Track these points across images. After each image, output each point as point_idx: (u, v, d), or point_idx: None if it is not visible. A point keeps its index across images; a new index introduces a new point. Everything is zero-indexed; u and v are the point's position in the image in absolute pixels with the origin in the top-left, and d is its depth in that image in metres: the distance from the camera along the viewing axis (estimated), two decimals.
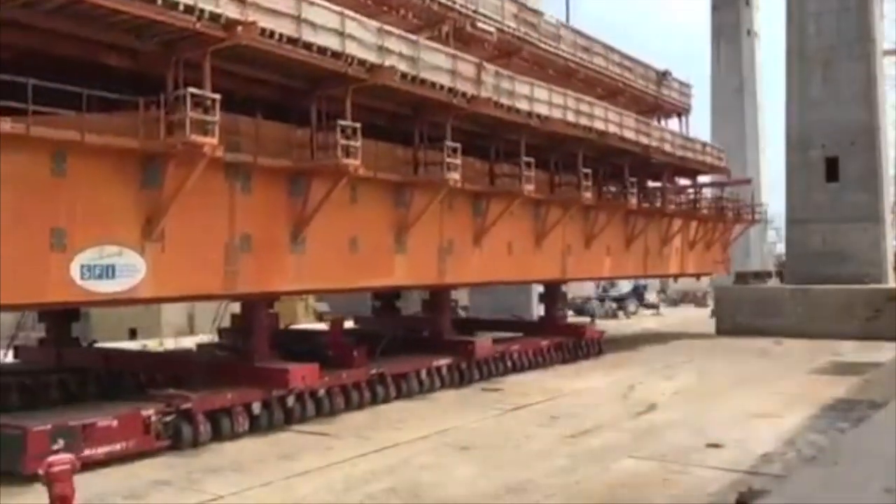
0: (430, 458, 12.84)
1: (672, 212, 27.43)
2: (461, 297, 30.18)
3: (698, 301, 50.20)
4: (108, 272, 12.06)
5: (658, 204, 26.55)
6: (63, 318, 18.92)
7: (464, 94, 16.54)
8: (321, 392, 16.00)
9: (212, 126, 11.83)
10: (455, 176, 16.60)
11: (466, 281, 20.10)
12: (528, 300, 31.58)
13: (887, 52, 44.09)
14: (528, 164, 19.00)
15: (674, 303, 53.61)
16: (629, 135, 22.66)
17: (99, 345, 19.75)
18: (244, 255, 14.06)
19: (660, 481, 11.35)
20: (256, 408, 14.88)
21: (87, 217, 11.85)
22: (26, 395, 17.24)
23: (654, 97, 25.20)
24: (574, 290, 44.96)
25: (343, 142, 13.95)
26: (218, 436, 14.05)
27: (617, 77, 22.89)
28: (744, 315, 31.22)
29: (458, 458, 12.88)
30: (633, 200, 24.11)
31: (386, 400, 17.63)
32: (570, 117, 20.09)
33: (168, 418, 13.49)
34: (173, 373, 16.65)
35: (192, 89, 11.78)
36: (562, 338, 24.41)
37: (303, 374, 15.10)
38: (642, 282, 47.86)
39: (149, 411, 13.19)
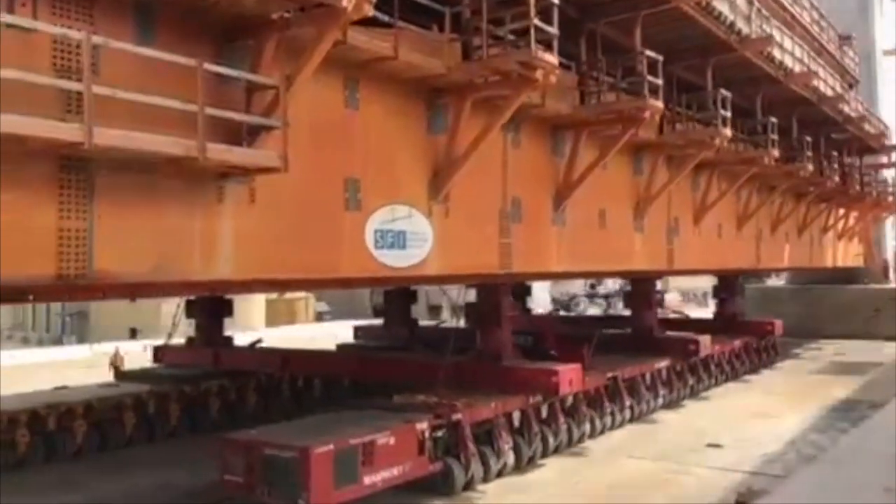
0: None
1: (855, 195, 24.80)
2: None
3: (699, 300, 48.45)
4: (400, 240, 9.29)
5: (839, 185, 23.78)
6: (216, 312, 16.09)
7: (738, 33, 13.83)
8: (569, 400, 13.21)
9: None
10: (727, 133, 13.85)
11: (690, 267, 17.33)
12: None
13: None
14: (774, 126, 16.20)
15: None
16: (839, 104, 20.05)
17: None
18: (515, 225, 11.27)
19: (659, 482, 11.18)
20: (516, 419, 12.09)
21: (378, 166, 9.09)
22: (185, 406, 14.52)
23: (838, 63, 22.56)
24: (559, 287, 41.88)
25: (650, 78, 11.16)
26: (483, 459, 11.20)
27: (817, 36, 20.23)
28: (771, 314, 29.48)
29: None
30: (836, 179, 21.45)
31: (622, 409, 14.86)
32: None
33: (439, 433, 10.65)
34: (378, 376, 13.85)
35: None
36: (748, 338, 21.60)
37: (570, 378, 12.27)
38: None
39: (422, 425, 10.33)
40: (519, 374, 12.33)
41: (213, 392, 15.10)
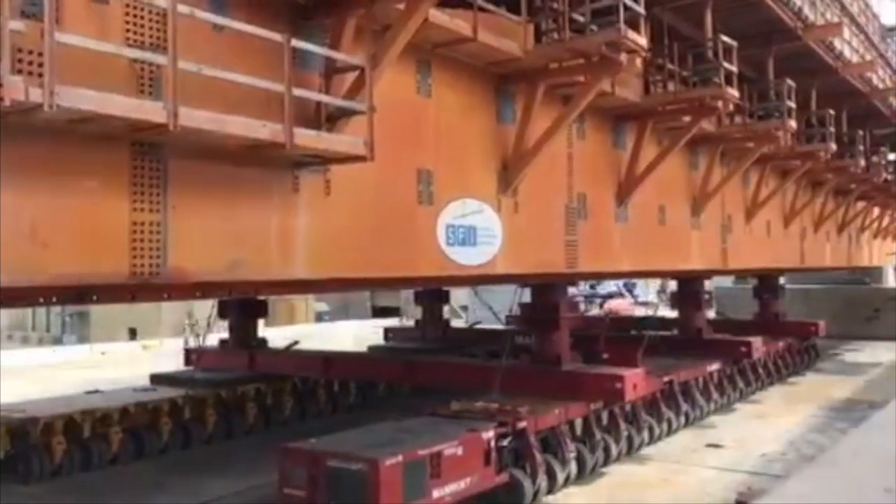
0: None
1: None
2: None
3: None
4: (471, 237, 8.69)
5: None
6: (250, 313, 15.48)
7: (804, 20, 13.20)
8: (627, 405, 12.57)
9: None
10: (792, 125, 13.20)
11: (743, 267, 16.69)
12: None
13: None
14: (832, 118, 15.53)
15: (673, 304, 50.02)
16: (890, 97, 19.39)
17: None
18: (580, 222, 10.66)
19: (659, 481, 11.10)
20: (578, 426, 11.48)
21: (449, 157, 8.48)
22: (222, 411, 13.94)
23: (881, 55, 21.87)
24: None
25: (726, 65, 10.53)
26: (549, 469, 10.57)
27: (864, 26, 19.55)
28: (745, 315, 28.72)
29: None
30: (885, 176, 20.78)
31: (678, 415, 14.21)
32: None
33: (504, 443, 10.02)
34: (427, 380, 13.23)
35: None
36: (790, 339, 20.92)
37: (635, 383, 11.63)
38: (633, 279, 43.57)
39: (488, 434, 9.70)
40: (580, 380, 11.70)
41: (250, 396, 14.51)
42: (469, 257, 8.65)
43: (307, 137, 5.84)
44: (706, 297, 17.07)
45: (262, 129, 5.52)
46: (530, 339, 13.12)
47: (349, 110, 6.44)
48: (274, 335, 17.68)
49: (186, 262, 5.81)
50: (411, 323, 23.43)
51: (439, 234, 8.24)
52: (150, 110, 4.85)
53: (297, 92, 5.79)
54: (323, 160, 6.54)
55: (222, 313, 15.63)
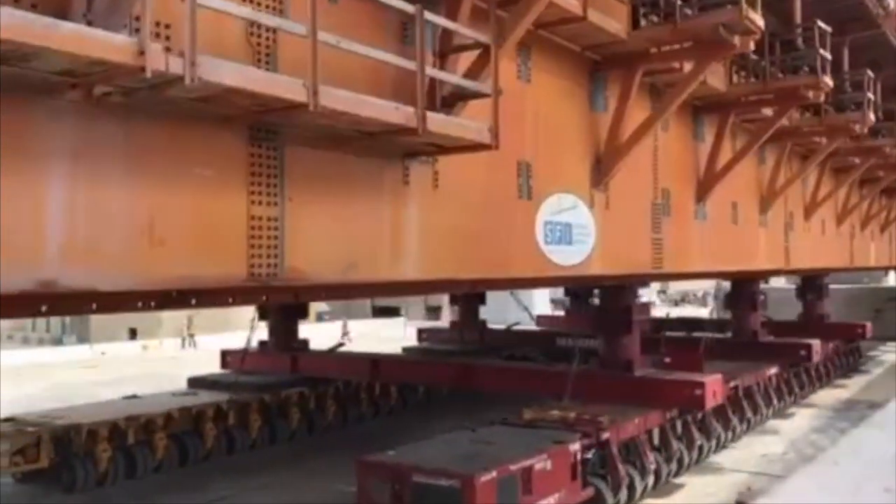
0: None
1: None
2: None
3: (699, 301, 47.55)
4: (566, 234, 8.05)
5: None
6: (290, 314, 14.84)
7: (885, 8, 12.55)
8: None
9: None
10: (871, 118, 12.54)
11: (803, 266, 16.05)
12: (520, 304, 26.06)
13: None
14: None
15: (675, 303, 50.72)
16: None
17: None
18: (665, 219, 10.02)
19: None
20: (655, 435, 10.86)
21: (546, 147, 7.85)
22: (265, 416, 13.31)
23: None
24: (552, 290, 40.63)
25: (822, 52, 9.88)
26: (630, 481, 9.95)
27: None
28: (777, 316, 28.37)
29: None
30: None
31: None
32: None
33: (589, 455, 9.39)
34: (485, 386, 12.58)
35: None
36: (837, 341, 20.30)
37: (714, 390, 11.00)
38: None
39: (575, 446, 9.07)
40: (656, 386, 11.07)
41: (293, 401, 13.88)
42: (565, 257, 8.03)
43: (437, 122, 5.20)
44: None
45: (395, 113, 4.88)
46: (574, 342, 12.57)
47: (470, 93, 5.79)
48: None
49: (303, 262, 5.18)
50: (413, 323, 22.76)
51: (538, 231, 7.61)
52: (289, 86, 4.20)
53: (430, 71, 5.15)
54: (438, 150, 5.90)
55: (262, 315, 14.98)
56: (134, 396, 13.38)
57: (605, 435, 9.65)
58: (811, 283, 21.38)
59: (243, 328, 31.82)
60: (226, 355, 15.53)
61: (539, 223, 7.61)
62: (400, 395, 15.97)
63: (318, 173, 5.31)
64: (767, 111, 11.37)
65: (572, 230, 8.13)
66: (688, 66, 8.88)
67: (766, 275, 15.43)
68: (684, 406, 10.97)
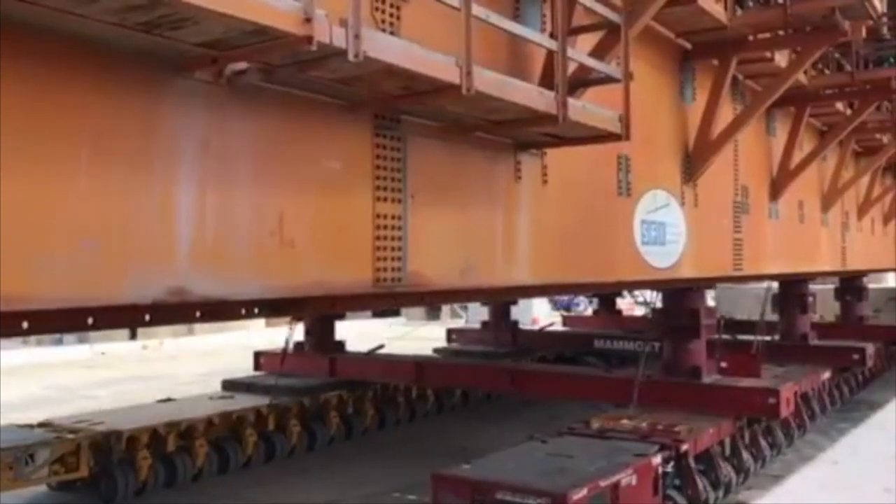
0: None
1: None
2: None
3: None
4: (661, 234, 7.53)
5: None
6: (328, 315, 14.28)
7: None
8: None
9: None
10: None
11: (858, 268, 15.57)
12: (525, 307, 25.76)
13: None
14: None
15: None
16: None
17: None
18: (744, 218, 9.49)
19: None
20: (727, 447, 10.32)
21: (642, 139, 7.27)
22: (305, 421, 12.78)
23: None
24: None
25: None
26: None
27: None
28: (744, 315, 27.85)
29: None
30: None
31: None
32: None
33: (669, 468, 8.86)
34: (540, 392, 12.06)
35: None
36: (880, 343, 19.74)
37: (789, 397, 10.47)
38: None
39: (657, 459, 8.54)
40: (727, 394, 10.52)
41: (332, 405, 13.35)
42: (660, 258, 7.50)
43: (575, 110, 4.65)
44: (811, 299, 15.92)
45: (539, 98, 4.33)
46: (640, 346, 12.02)
47: (597, 78, 5.24)
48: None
49: (424, 265, 4.64)
50: (413, 324, 22.20)
51: (635, 230, 7.08)
52: (446, 68, 3.65)
53: (572, 54, 4.60)
54: (557, 140, 5.36)
55: (298, 317, 14.41)
56: (168, 400, 12.85)
57: (685, 446, 9.13)
58: (850, 284, 20.85)
59: (240, 329, 31.50)
60: (259, 357, 14.97)
61: (637, 222, 7.09)
62: (436, 398, 15.48)
63: (437, 167, 4.77)
64: (839, 105, 10.84)
65: (666, 230, 7.61)
66: (779, 56, 8.36)
67: (810, 276, 14.87)
68: (757, 414, 10.45)
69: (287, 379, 13.98)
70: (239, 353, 26.67)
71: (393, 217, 4.41)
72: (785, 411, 10.47)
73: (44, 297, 2.87)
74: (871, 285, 30.83)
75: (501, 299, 12.78)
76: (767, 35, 7.78)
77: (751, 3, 7.69)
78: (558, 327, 22.31)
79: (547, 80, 5.37)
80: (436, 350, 17.87)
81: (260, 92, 3.56)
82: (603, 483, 7.65)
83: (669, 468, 8.94)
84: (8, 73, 2.68)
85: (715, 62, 8.10)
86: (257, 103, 3.60)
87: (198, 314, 4.45)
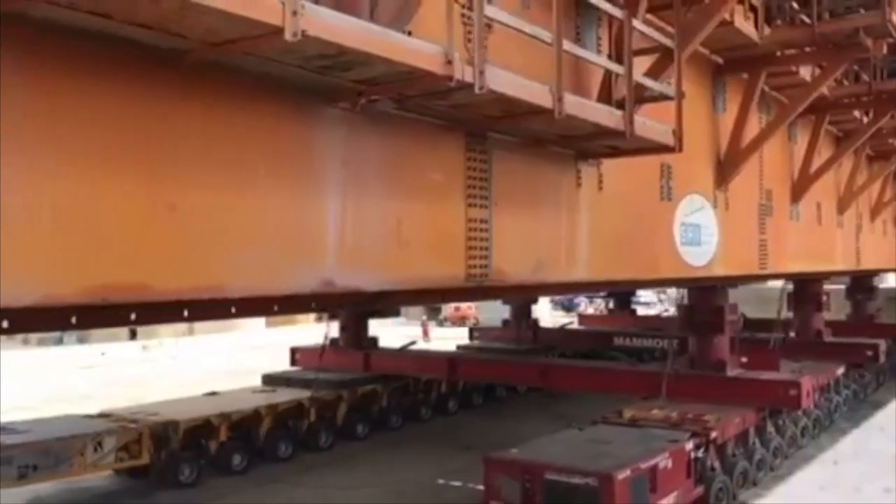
0: None
1: None
2: None
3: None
4: (696, 235, 8.20)
5: None
6: (361, 312, 14.96)
7: None
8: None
9: None
10: None
11: (870, 267, 16.21)
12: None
13: None
14: None
15: (676, 304, 49.67)
16: None
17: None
18: (768, 220, 10.16)
19: None
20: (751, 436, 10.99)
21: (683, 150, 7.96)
22: (345, 413, 13.47)
23: None
24: None
25: None
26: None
27: None
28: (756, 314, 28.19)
29: None
30: None
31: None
32: None
33: (700, 454, 9.53)
34: (569, 385, 12.74)
35: None
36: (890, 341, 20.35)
37: (809, 389, 11.13)
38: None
39: (689, 445, 9.22)
40: (751, 386, 11.19)
41: (368, 398, 14.06)
42: (695, 257, 8.18)
43: (644, 126, 5.35)
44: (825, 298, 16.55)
45: (610, 116, 5.02)
46: (668, 343, 12.66)
47: (651, 96, 5.92)
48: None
49: (504, 263, 5.33)
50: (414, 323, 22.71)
51: (675, 232, 7.75)
52: (541, 94, 4.34)
53: (638, 77, 5.28)
54: (614, 152, 6.04)
55: (333, 314, 15.13)
56: (214, 393, 13.54)
57: (714, 434, 9.80)
58: (860, 284, 21.47)
59: (240, 329, 31.73)
60: (295, 352, 15.67)
61: (677, 224, 7.76)
62: (462, 394, 16.15)
63: (514, 177, 5.46)
64: (856, 113, 11.51)
65: (701, 231, 8.28)
66: (803, 70, 9.03)
67: (838, 275, 15.53)
68: (779, 406, 11.11)
69: (322, 373, 14.70)
70: (240, 353, 27.16)
71: (481, 221, 5.09)
72: (805, 402, 11.13)
73: (234, 287, 3.56)
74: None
75: (562, 293, 13.35)
76: (794, 51, 8.42)
77: (779, 22, 8.33)
78: (575, 326, 23.04)
79: (604, 97, 6.08)
80: (459, 347, 18.56)
81: (385, 117, 4.24)
82: (643, 465, 8.35)
83: (700, 454, 9.65)
84: (218, 111, 3.37)
85: (745, 76, 8.76)
86: (383, 127, 4.28)
87: (275, 308, 5.11)
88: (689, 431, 9.61)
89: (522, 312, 19.48)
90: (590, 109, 4.80)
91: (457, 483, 10.85)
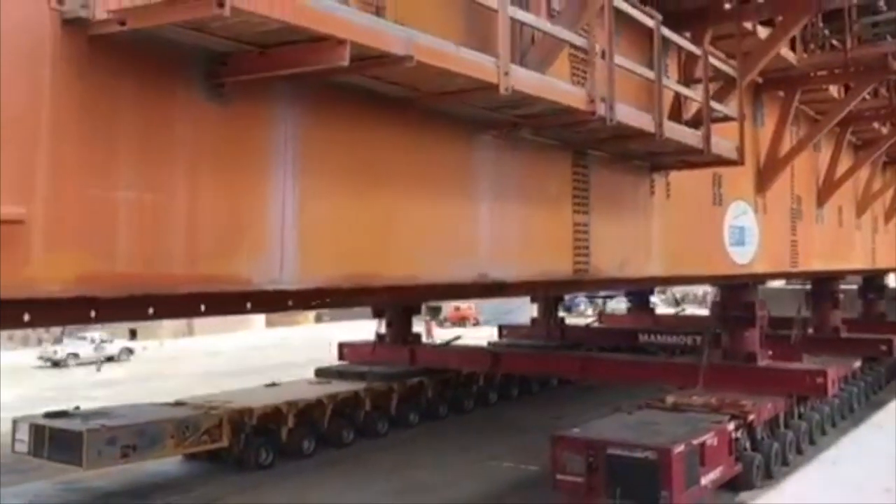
0: None
1: None
2: None
3: (700, 301, 47.88)
4: (741, 237, 9.21)
5: None
6: (406, 309, 15.94)
7: None
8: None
9: None
10: None
11: (885, 266, 17.22)
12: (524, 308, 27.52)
13: None
14: None
15: (675, 303, 51.12)
16: None
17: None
18: (798, 223, 11.17)
19: None
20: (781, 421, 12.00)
21: None
22: (396, 403, 14.44)
23: None
24: None
25: None
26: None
27: None
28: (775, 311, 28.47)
29: None
30: None
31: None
32: None
33: (739, 434, 10.54)
34: (609, 377, 13.73)
35: None
36: None
37: (835, 378, 12.14)
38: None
39: (731, 426, 10.22)
40: (781, 375, 12.21)
41: (416, 390, 15.02)
42: (740, 256, 9.19)
43: (718, 144, 6.35)
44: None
45: (694, 137, 6.02)
46: (704, 337, 13.66)
47: (715, 117, 6.92)
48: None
49: (599, 261, 6.34)
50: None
51: (725, 233, 8.76)
52: (646, 121, 5.35)
53: (715, 105, 6.29)
54: (685, 164, 7.04)
55: (377, 312, 16.10)
56: (274, 384, 14.50)
57: (751, 416, 10.81)
58: (872, 283, 22.47)
59: (240, 330, 31.75)
60: (343, 347, 16.64)
61: (726, 226, 8.77)
62: (502, 387, 17.09)
63: (606, 187, 6.47)
64: (875, 124, 12.52)
65: (745, 233, 9.29)
66: (832, 87, 10.05)
67: (857, 273, 16.53)
68: (807, 393, 12.12)
69: (370, 366, 15.69)
70: (240, 353, 27.62)
71: (583, 224, 6.11)
72: (832, 390, 12.15)
73: (424, 276, 4.57)
74: None
75: (639, 287, 14.32)
76: (825, 72, 9.45)
77: (812, 46, 9.34)
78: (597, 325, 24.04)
79: (673, 117, 7.09)
80: (489, 343, 19.53)
81: (521, 140, 5.25)
82: (695, 442, 9.36)
83: (739, 434, 10.65)
84: (419, 141, 4.39)
85: (781, 94, 9.77)
86: (518, 148, 5.29)
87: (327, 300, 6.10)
88: (729, 414, 10.64)
89: (549, 311, 20.44)
90: (679, 132, 5.81)
91: (508, 464, 11.84)
